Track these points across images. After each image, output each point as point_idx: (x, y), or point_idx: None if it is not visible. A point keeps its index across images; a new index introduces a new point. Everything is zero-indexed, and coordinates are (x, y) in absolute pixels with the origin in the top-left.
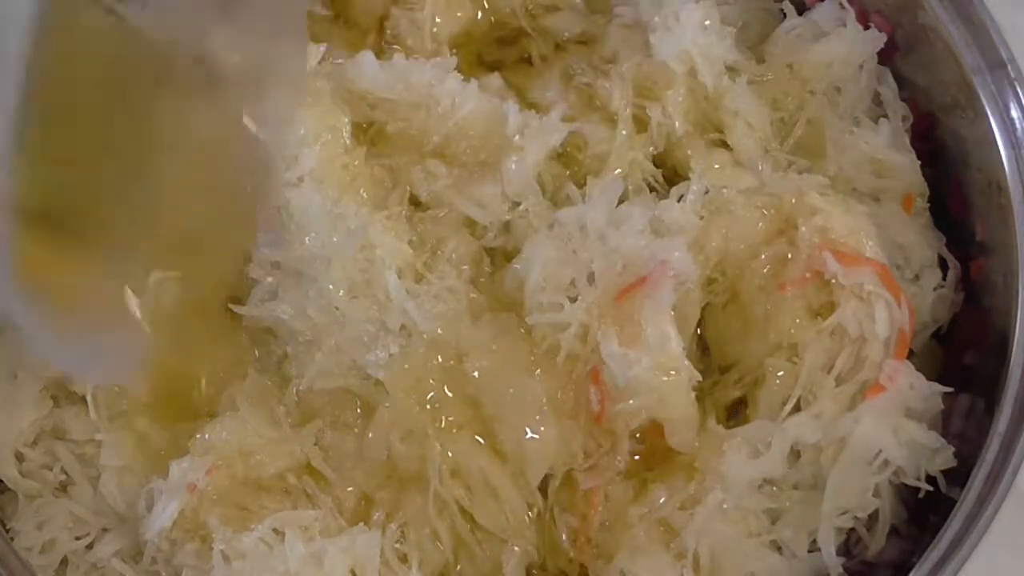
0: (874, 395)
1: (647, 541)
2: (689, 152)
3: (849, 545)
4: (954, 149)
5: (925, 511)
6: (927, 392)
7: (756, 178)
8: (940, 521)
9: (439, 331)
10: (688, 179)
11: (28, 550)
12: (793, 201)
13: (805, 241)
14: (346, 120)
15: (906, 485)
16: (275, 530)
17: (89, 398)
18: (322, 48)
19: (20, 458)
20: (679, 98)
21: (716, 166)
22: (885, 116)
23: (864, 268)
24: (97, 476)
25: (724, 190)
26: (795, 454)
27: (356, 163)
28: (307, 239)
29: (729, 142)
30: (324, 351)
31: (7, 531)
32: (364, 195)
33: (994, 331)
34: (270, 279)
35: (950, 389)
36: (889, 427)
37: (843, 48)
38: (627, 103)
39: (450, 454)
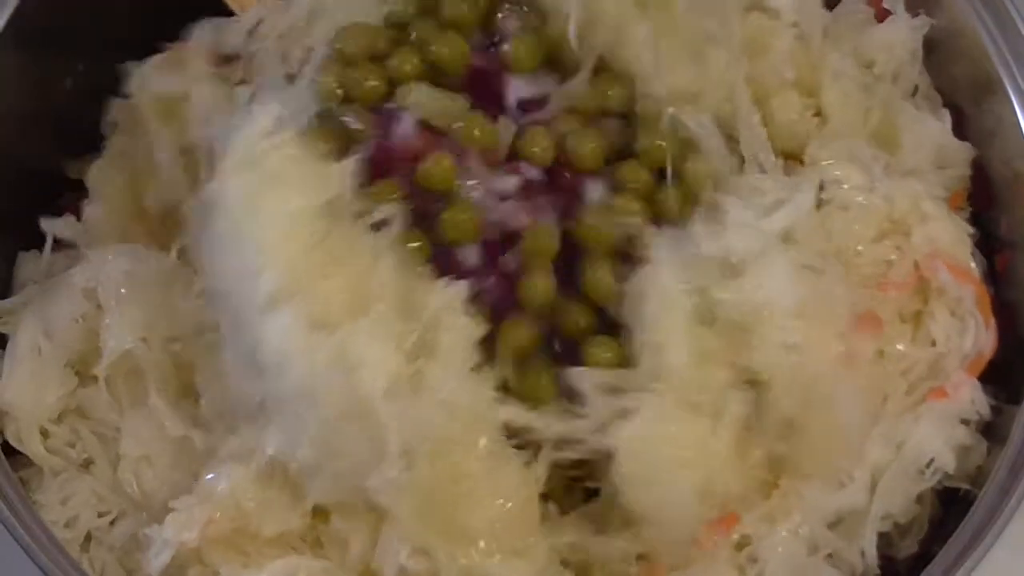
0: (935, 399)
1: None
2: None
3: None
4: (979, 142)
5: (947, 503)
6: (985, 408)
7: (868, 176)
8: (961, 513)
9: (442, 446)
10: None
11: (54, 523)
12: (907, 207)
13: (916, 247)
14: (305, 197)
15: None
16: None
17: (102, 382)
18: None
19: (45, 434)
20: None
21: (829, 160)
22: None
23: (969, 286)
24: (117, 458)
25: (840, 187)
26: None
27: (329, 250)
28: (287, 371)
29: (823, 105)
30: (324, 477)
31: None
32: (344, 290)
33: (1018, 325)
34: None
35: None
36: (944, 435)
37: (901, 33)
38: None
39: (462, 565)
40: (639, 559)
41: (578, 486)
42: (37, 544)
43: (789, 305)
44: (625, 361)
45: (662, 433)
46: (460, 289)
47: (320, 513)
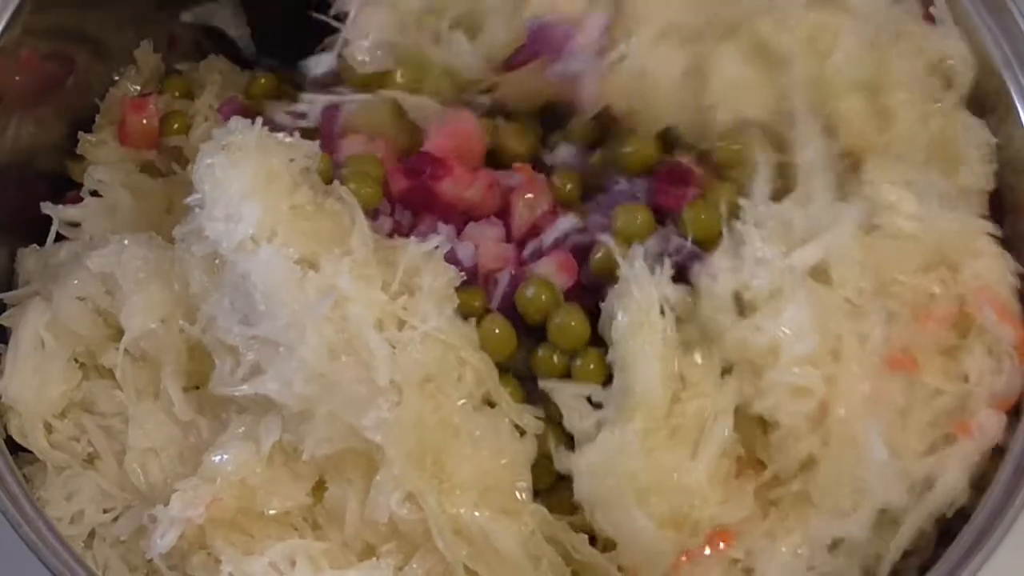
0: (959, 433)
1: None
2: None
3: None
4: None
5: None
6: (1001, 437)
7: (922, 204)
8: (960, 523)
9: (430, 380)
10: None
11: (58, 520)
12: (959, 242)
13: (964, 283)
14: (277, 161)
15: None
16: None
17: (119, 373)
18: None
19: (49, 429)
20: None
21: (887, 177)
22: None
23: (1011, 329)
24: (122, 451)
25: (892, 213)
26: None
27: (304, 202)
28: (276, 308)
29: (889, 107)
30: (318, 419)
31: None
32: (323, 236)
33: None
34: (250, 355)
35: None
36: (968, 474)
37: (958, 41)
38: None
39: (451, 514)
40: (621, 570)
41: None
42: (42, 541)
43: (805, 351)
44: (606, 377)
45: (621, 461)
46: (437, 242)
47: (318, 491)
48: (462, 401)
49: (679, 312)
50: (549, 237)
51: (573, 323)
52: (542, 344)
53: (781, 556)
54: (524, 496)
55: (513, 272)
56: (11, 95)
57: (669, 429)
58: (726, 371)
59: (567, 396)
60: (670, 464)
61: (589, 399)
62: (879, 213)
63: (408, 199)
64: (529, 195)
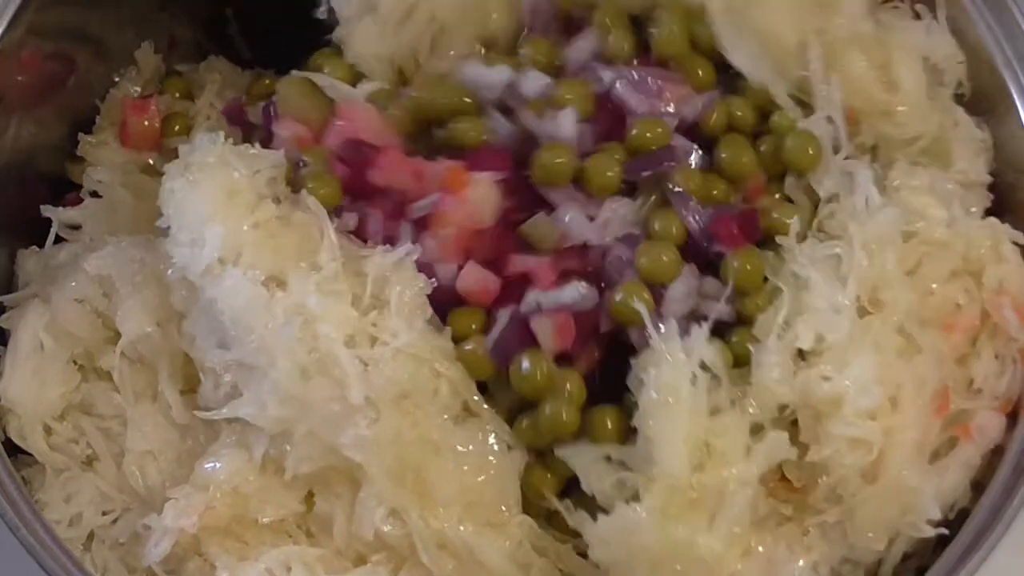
0: (964, 439)
1: None
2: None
3: None
4: None
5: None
6: (1001, 439)
7: (947, 211)
8: (958, 525)
9: (405, 396)
10: None
11: (57, 523)
12: (984, 248)
13: (987, 290)
14: (239, 175)
15: None
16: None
17: (116, 376)
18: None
19: (48, 431)
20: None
21: (914, 183)
22: None
23: None
24: (121, 454)
25: (923, 220)
26: None
27: (268, 216)
28: (245, 333)
29: (895, 77)
30: (298, 439)
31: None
32: (290, 252)
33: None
34: (228, 377)
35: None
36: (969, 476)
37: (947, 40)
38: None
39: (434, 529)
40: None
41: None
42: (40, 544)
43: (869, 404)
44: (625, 434)
45: (636, 535)
46: (406, 251)
47: (310, 500)
48: (444, 417)
49: (715, 370)
50: (547, 300)
51: (564, 417)
52: (528, 414)
53: (800, 571)
54: (511, 508)
55: (512, 315)
56: (12, 95)
57: (688, 500)
58: (756, 432)
59: (584, 461)
60: (687, 536)
61: (608, 458)
62: (912, 220)
63: (350, 188)
64: (442, 220)
